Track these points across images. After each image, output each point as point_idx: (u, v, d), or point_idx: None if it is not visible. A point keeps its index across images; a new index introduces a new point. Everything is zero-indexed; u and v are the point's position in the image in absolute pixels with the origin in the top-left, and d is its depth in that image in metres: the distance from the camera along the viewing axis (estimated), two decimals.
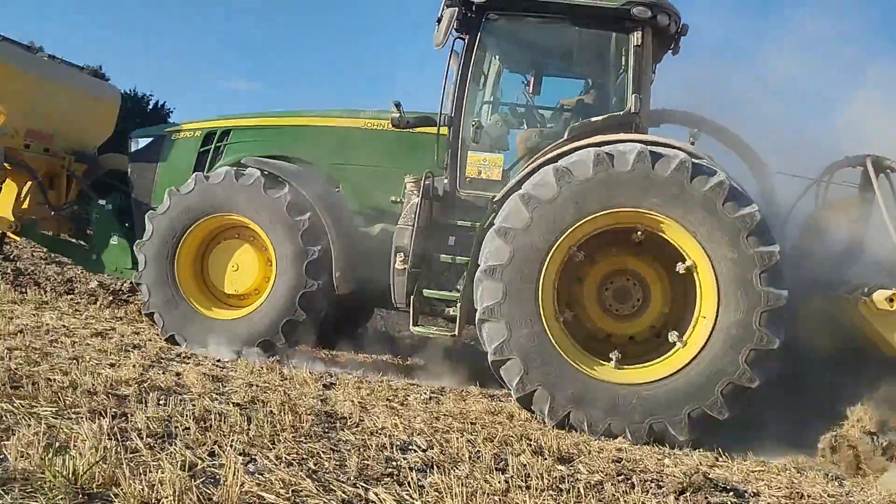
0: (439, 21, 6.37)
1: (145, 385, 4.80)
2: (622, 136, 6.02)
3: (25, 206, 8.27)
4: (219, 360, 6.29)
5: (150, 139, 8.13)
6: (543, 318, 5.65)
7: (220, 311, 7.08)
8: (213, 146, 7.69)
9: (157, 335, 6.85)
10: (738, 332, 5.42)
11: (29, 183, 8.10)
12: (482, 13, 6.51)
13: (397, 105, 6.70)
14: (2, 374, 4.40)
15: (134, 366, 5.31)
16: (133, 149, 8.15)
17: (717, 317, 5.49)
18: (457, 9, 6.26)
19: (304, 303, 6.72)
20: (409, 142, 7.02)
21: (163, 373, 5.30)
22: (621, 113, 6.37)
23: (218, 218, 7.00)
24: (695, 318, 5.63)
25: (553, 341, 5.64)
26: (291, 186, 6.89)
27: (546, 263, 5.67)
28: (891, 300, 5.28)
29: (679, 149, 5.75)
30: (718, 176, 5.50)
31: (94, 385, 4.54)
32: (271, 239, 6.85)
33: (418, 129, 6.81)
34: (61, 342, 5.93)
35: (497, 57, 7.16)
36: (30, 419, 3.70)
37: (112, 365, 5.27)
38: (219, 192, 6.94)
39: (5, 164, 7.90)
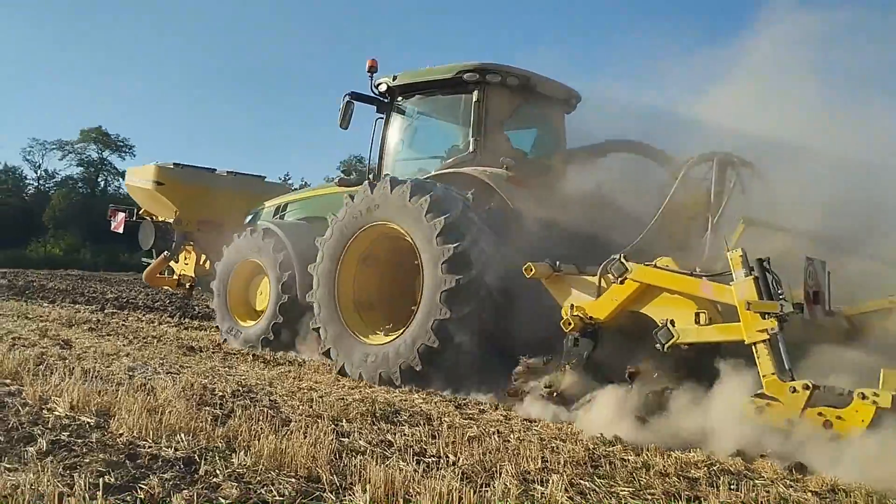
0: (341, 111, 9.01)
1: (715, 468, 4.65)
2: (451, 170, 8.21)
3: (206, 266, 12.73)
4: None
5: (252, 214, 11.67)
6: (337, 298, 7.99)
7: (250, 322, 10.14)
8: (279, 214, 10.99)
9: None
10: (429, 308, 7.05)
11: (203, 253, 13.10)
12: (392, 98, 9.11)
13: (345, 172, 10.72)
14: (583, 454, 4.76)
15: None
16: (246, 221, 11.58)
17: (420, 296, 7.20)
18: (351, 101, 8.97)
19: (281, 311, 9.53)
20: None
21: (731, 458, 5.10)
22: (465, 154, 8.39)
23: (248, 261, 10.25)
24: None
25: (342, 316, 7.94)
26: (278, 237, 9.77)
27: (342, 258, 8.01)
28: (529, 269, 6.35)
29: (463, 174, 7.94)
30: (427, 193, 7.26)
31: (665, 466, 4.53)
32: (268, 272, 9.84)
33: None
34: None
35: (407, 123, 9.29)
36: (610, 498, 3.91)
37: (683, 449, 5.28)
38: (246, 244, 10.26)
39: (191, 242, 13.22)
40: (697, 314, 5.64)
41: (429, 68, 8.81)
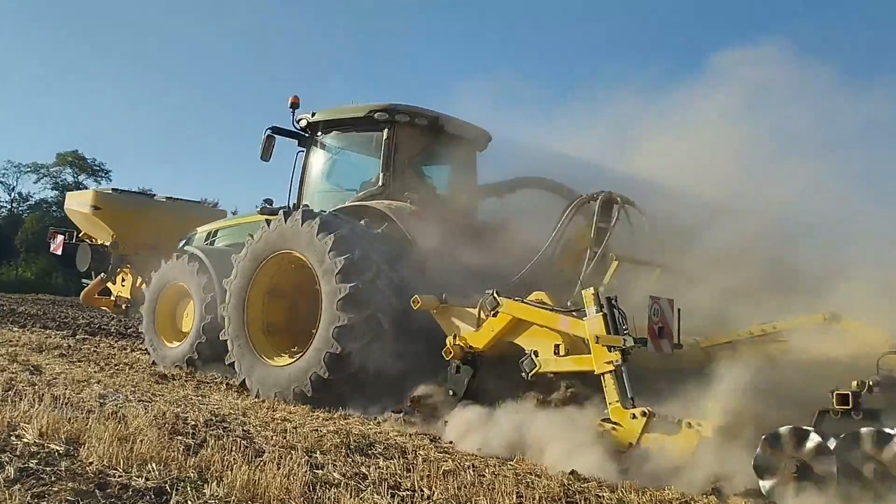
0: (262, 144, 9.55)
1: None
2: (358, 203, 8.80)
3: (142, 288, 12.24)
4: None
5: (185, 239, 12.03)
6: (248, 332, 8.48)
7: (175, 343, 10.55)
8: (210, 240, 11.59)
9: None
10: (329, 319, 7.53)
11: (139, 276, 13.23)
12: (312, 133, 9.61)
13: (267, 200, 9.58)
14: (558, 490, 4.75)
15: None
16: (179, 245, 11.92)
17: (318, 324, 7.69)
18: (272, 135, 9.55)
19: (203, 332, 9.88)
20: None
21: (706, 495, 5.10)
22: (375, 188, 8.90)
23: (175, 284, 10.65)
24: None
25: (252, 346, 8.41)
26: (203, 262, 10.19)
27: (248, 293, 8.52)
28: (415, 302, 7.05)
29: (374, 208, 8.42)
30: (316, 217, 7.91)
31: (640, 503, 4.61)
32: (193, 295, 10.25)
33: None
34: None
35: (325, 158, 9.80)
36: None
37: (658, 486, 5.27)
38: (173, 268, 10.73)
39: (128, 265, 13.49)
40: (557, 346, 6.23)
41: (344, 106, 9.50)
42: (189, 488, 3.94)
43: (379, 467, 4.91)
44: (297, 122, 9.63)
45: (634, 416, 5.36)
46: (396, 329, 7.52)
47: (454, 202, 9.43)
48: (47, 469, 4.11)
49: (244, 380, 8.33)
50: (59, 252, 15.05)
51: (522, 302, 6.55)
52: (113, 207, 13.62)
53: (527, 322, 6.50)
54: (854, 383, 4.80)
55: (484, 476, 4.95)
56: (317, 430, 6.16)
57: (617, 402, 5.54)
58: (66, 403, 6.06)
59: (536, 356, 6.29)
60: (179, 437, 5.19)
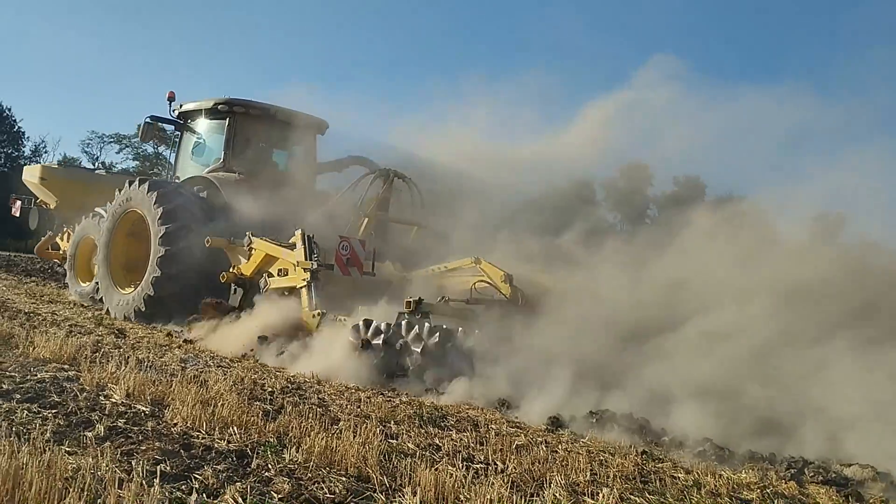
0: (140, 128, 12.78)
1: (769, 491, 4.53)
2: (202, 175, 11.88)
3: None
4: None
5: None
6: (111, 270, 11.56)
7: (88, 283, 13.16)
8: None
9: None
10: (155, 252, 10.51)
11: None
12: (184, 120, 12.55)
13: (154, 173, 12.62)
14: (632, 469, 4.70)
15: (755, 469, 5.12)
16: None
17: (150, 260, 10.54)
18: (150, 122, 12.60)
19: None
20: None
21: (785, 481, 4.97)
22: (219, 164, 11.85)
23: (88, 237, 13.23)
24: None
25: (113, 282, 11.47)
26: (104, 219, 12.11)
27: (112, 237, 11.63)
28: (208, 241, 9.89)
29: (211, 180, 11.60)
30: (147, 181, 11.10)
31: (716, 486, 4.44)
32: (98, 245, 12.13)
33: None
34: None
35: (192, 140, 12.60)
36: None
37: (735, 470, 5.16)
38: (87, 225, 13.33)
39: (71, 225, 14.98)
40: (280, 270, 9.04)
41: (200, 101, 12.24)
42: (269, 452, 4.03)
43: (452, 439, 4.92)
44: (173, 112, 12.50)
45: (314, 316, 8.09)
46: (204, 261, 9.99)
47: (290, 175, 12.03)
48: (134, 428, 4.27)
49: (107, 308, 11.18)
50: (18, 214, 17.94)
51: (263, 240, 9.29)
52: (56, 179, 15.98)
53: (273, 256, 9.13)
54: (439, 298, 8.01)
55: (557, 452, 4.91)
56: (390, 400, 6.23)
57: (307, 307, 8.28)
58: (150, 367, 6.29)
59: (270, 277, 9.09)
60: (258, 403, 5.31)
